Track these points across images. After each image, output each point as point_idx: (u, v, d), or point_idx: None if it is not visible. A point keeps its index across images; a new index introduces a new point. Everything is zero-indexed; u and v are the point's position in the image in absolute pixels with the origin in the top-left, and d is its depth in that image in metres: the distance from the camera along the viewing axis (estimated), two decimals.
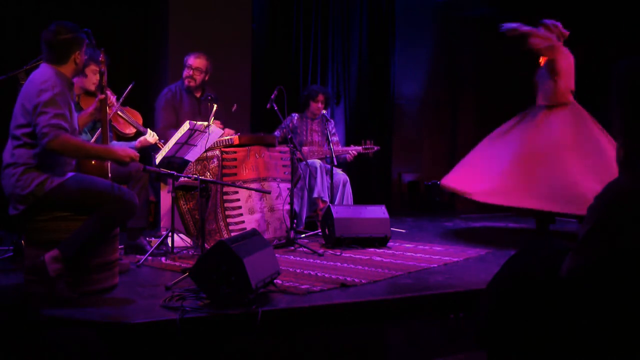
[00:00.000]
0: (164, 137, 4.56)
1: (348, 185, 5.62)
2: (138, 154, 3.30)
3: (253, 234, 3.24)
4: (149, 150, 4.84)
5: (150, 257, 4.05)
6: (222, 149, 4.59)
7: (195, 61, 5.04)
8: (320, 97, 5.80)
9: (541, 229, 5.38)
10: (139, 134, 4.51)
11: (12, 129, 3.11)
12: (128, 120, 4.45)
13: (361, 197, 6.35)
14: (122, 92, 4.23)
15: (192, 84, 5.05)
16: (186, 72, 5.05)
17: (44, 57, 3.21)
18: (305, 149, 5.71)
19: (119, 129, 4.43)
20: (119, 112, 4.38)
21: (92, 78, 4.24)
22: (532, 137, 5.14)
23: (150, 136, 4.41)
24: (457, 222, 6.71)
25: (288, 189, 4.81)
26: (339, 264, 4.08)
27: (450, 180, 5.44)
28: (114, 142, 4.52)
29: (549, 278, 1.72)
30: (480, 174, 5.19)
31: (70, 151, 3.05)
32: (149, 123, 4.75)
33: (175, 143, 4.13)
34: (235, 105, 4.86)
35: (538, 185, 4.82)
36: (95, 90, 4.25)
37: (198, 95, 5.13)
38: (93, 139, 4.07)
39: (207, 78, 5.12)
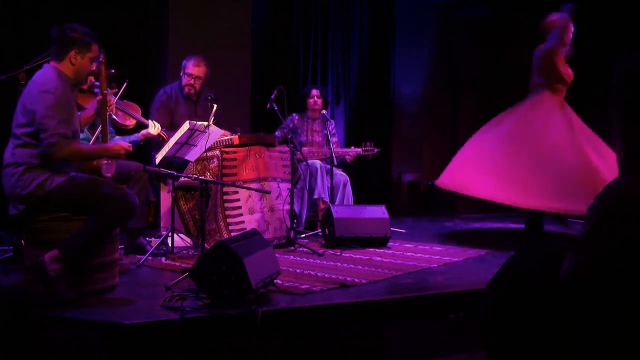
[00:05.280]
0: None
1: (349, 185, 5.62)
2: (131, 145, 3.35)
3: (253, 234, 3.24)
4: (149, 150, 4.84)
5: (150, 257, 4.05)
6: (222, 149, 4.58)
7: (195, 70, 4.98)
8: (314, 92, 5.81)
9: (532, 230, 5.39)
10: (140, 125, 4.51)
11: (13, 128, 3.13)
12: (127, 112, 4.44)
13: (361, 197, 6.35)
14: (119, 89, 4.26)
15: (192, 91, 5.03)
16: (186, 80, 5.00)
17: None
18: (305, 149, 5.70)
19: (119, 121, 4.42)
20: (117, 106, 4.38)
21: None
22: (523, 131, 5.14)
23: (153, 128, 4.41)
24: (457, 222, 6.71)
25: (288, 189, 4.81)
26: (339, 264, 4.08)
27: (445, 179, 5.38)
28: (116, 137, 4.53)
29: (549, 278, 1.72)
30: (476, 172, 5.14)
31: (77, 158, 3.15)
32: None
33: (175, 143, 4.13)
34: (238, 128, 4.87)
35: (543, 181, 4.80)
36: (88, 89, 4.25)
37: (195, 97, 5.11)
38: (93, 138, 4.08)
39: (205, 83, 5.09)
